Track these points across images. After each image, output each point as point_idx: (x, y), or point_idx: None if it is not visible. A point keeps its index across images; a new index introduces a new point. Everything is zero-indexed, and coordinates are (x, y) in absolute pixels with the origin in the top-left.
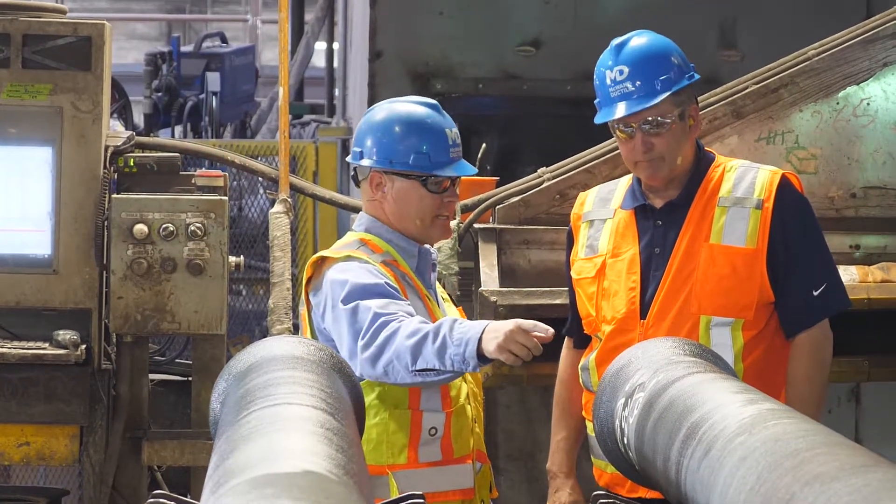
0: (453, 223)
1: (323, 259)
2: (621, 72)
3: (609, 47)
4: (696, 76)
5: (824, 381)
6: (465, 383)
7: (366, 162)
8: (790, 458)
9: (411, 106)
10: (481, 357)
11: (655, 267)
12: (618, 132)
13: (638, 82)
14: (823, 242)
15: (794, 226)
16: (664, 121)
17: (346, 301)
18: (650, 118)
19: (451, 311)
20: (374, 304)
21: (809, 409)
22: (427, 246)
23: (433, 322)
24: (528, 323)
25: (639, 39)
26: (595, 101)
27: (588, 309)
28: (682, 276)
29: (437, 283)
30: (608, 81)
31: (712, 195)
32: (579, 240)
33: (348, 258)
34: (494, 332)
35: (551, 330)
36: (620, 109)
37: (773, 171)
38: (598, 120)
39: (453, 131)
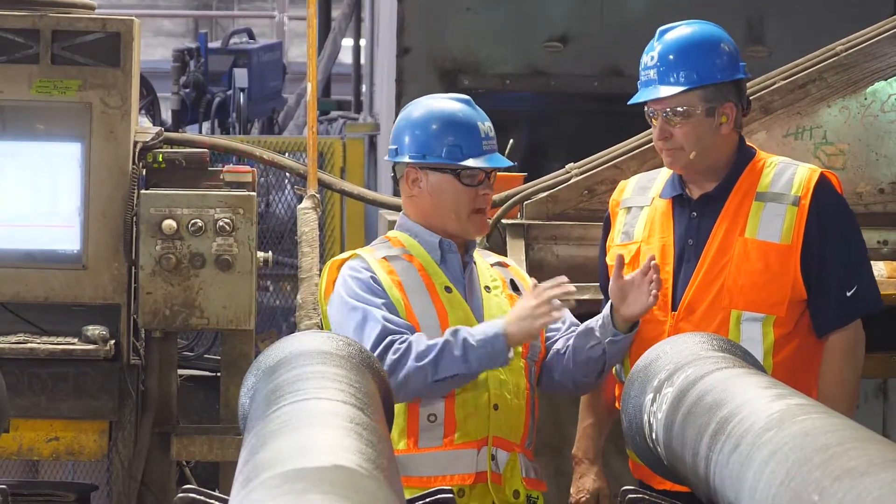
0: None
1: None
2: (652, 58)
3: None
4: (740, 76)
5: (856, 382)
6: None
7: (400, 158)
8: (820, 453)
9: (444, 101)
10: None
11: (688, 258)
12: (649, 116)
13: (661, 71)
14: (859, 243)
15: (830, 225)
16: (685, 113)
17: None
18: (669, 108)
19: (494, 302)
20: (380, 316)
21: (840, 409)
22: (447, 241)
23: (439, 317)
24: (540, 287)
25: (683, 29)
26: None
27: None
28: (716, 269)
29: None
30: (642, 65)
31: (749, 190)
32: (616, 226)
33: (354, 257)
34: (514, 315)
35: (564, 278)
36: (641, 94)
37: (811, 168)
38: (630, 101)
39: (486, 125)
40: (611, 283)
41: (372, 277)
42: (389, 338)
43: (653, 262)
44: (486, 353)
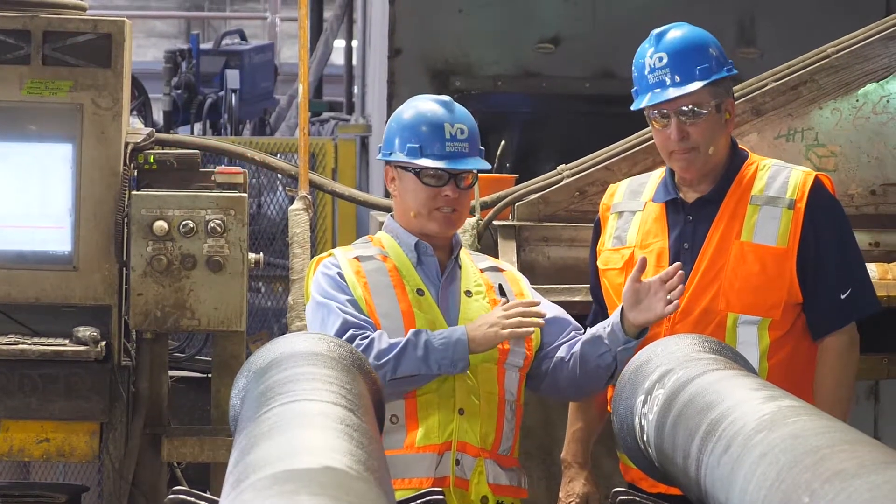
0: (472, 220)
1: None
2: (661, 59)
3: (649, 36)
4: (735, 71)
5: (851, 384)
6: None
7: (378, 155)
8: (810, 455)
9: (420, 101)
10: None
11: (684, 262)
12: (654, 121)
13: (677, 69)
14: (854, 245)
15: (825, 228)
16: (700, 110)
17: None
18: (686, 106)
19: (473, 307)
20: (342, 311)
21: (836, 411)
22: (424, 243)
23: (404, 318)
24: (511, 303)
25: (678, 30)
26: (632, 90)
27: (614, 300)
28: (712, 272)
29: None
30: (647, 69)
31: (745, 193)
32: (607, 230)
33: (329, 255)
34: (480, 323)
35: (536, 301)
36: (658, 95)
37: (806, 171)
38: (634, 106)
39: (455, 126)
40: (627, 284)
41: (339, 274)
42: (351, 331)
43: (679, 272)
44: (446, 356)
